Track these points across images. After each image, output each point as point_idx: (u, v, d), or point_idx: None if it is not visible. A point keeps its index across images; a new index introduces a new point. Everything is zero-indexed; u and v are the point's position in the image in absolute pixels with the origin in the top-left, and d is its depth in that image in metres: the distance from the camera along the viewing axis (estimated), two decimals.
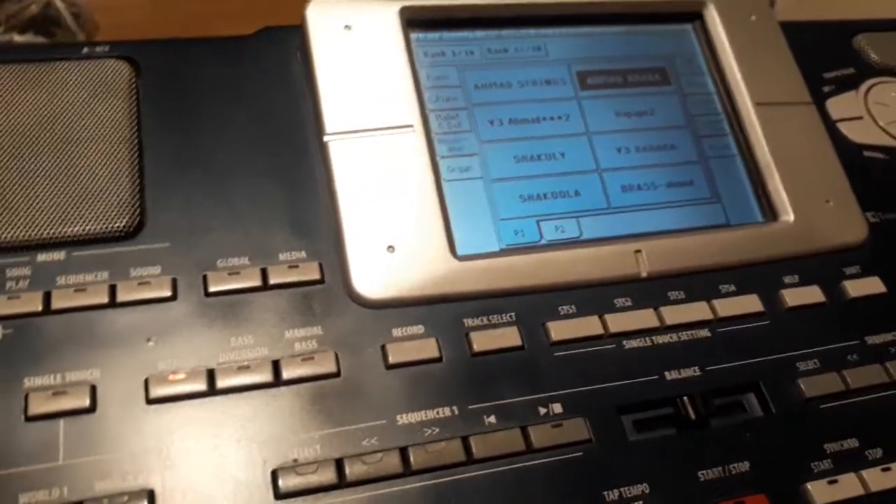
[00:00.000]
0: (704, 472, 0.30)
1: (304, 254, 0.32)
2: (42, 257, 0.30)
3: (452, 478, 0.28)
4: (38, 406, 0.27)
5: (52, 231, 0.31)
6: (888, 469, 0.31)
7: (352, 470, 0.28)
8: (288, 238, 0.33)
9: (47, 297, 0.29)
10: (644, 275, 0.35)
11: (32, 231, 0.30)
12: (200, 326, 0.30)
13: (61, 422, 0.27)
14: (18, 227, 0.30)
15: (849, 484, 0.31)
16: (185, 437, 0.28)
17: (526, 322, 0.32)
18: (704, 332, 0.34)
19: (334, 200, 0.33)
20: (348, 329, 0.31)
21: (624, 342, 0.33)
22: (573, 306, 0.33)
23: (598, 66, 0.39)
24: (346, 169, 0.33)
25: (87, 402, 0.28)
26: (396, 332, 0.31)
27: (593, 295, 0.34)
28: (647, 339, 0.33)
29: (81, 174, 0.32)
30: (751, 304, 0.35)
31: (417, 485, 0.28)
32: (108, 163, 0.33)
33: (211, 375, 0.29)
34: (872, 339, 0.35)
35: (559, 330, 0.32)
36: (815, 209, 0.38)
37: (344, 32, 0.36)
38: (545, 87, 0.38)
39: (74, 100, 0.34)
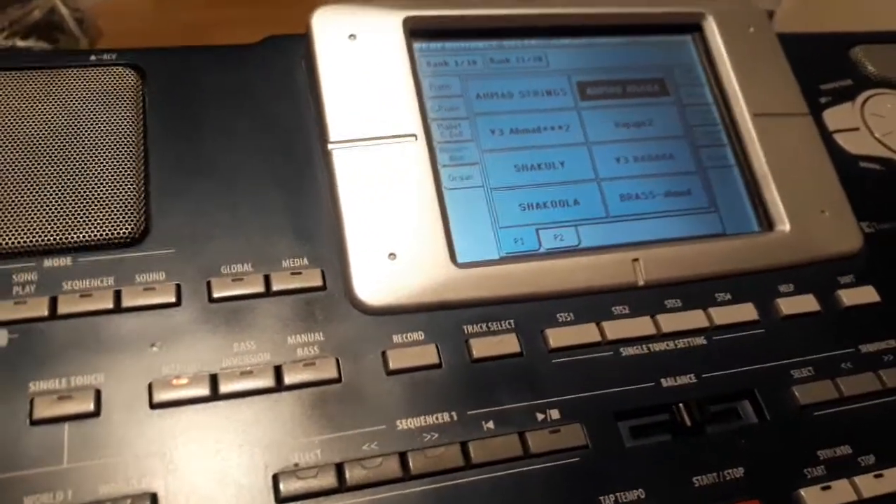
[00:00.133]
0: (699, 477, 0.31)
1: (306, 261, 0.33)
2: (48, 263, 0.31)
3: (451, 482, 0.29)
4: (43, 410, 0.28)
5: (59, 237, 0.31)
6: (881, 475, 0.32)
7: (352, 474, 0.28)
8: (291, 245, 0.33)
9: (53, 303, 0.30)
10: (641, 283, 0.35)
11: (39, 237, 0.31)
12: (204, 332, 0.30)
13: (66, 426, 0.28)
14: (25, 232, 0.31)
15: (842, 490, 0.31)
16: (188, 442, 0.28)
17: (525, 329, 0.33)
18: (700, 340, 0.34)
19: (337, 208, 0.34)
20: (349, 335, 0.31)
21: (621, 349, 0.33)
22: (571, 314, 0.34)
23: (597, 77, 0.40)
24: (348, 177, 0.34)
25: (91, 407, 0.28)
26: (397, 339, 0.32)
27: (591, 303, 0.34)
28: (644, 346, 0.34)
29: (87, 181, 0.32)
30: (746, 312, 0.35)
31: (417, 489, 0.29)
32: (114, 169, 0.33)
33: (214, 380, 0.29)
34: (866, 348, 0.36)
35: (557, 337, 0.33)
36: (810, 219, 0.38)
37: (348, 42, 0.36)
38: (546, 98, 0.39)
39: (81, 107, 0.34)
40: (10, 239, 0.31)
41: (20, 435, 0.27)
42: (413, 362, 0.31)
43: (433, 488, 0.29)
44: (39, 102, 0.34)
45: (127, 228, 0.32)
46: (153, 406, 0.29)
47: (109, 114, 0.34)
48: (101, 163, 0.33)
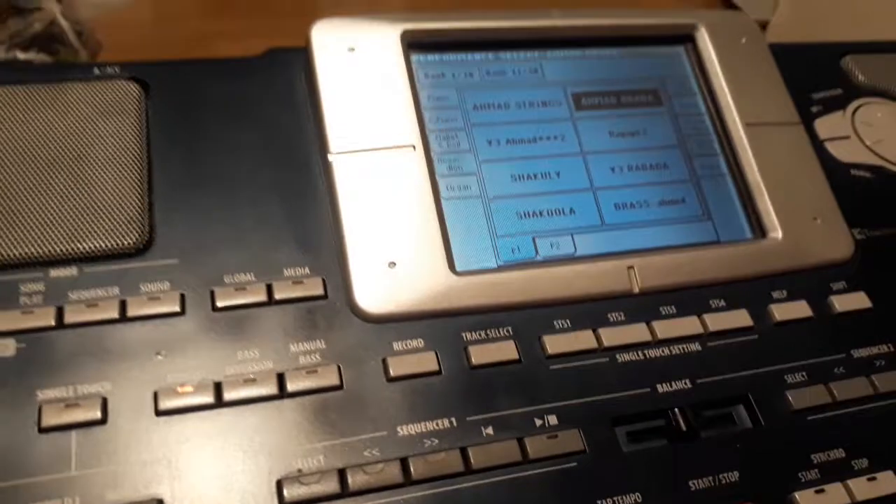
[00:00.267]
0: (695, 481, 0.31)
1: (307, 270, 0.33)
2: (55, 273, 0.31)
3: (451, 487, 0.29)
4: (51, 418, 0.28)
5: (65, 247, 0.31)
6: (874, 479, 0.32)
7: (354, 480, 0.29)
8: (292, 254, 0.34)
9: (60, 312, 0.30)
10: (637, 290, 0.36)
11: (45, 247, 0.31)
12: (208, 340, 0.31)
13: (73, 433, 0.28)
14: (32, 243, 0.31)
15: (835, 493, 0.32)
16: (193, 448, 0.29)
17: (522, 336, 0.33)
18: (695, 346, 0.35)
19: (337, 218, 0.34)
20: (350, 343, 0.32)
21: (617, 356, 0.34)
22: (568, 321, 0.34)
23: (592, 88, 0.40)
24: (349, 187, 0.35)
25: (98, 414, 0.28)
26: (397, 346, 0.32)
27: (587, 310, 0.35)
28: (640, 352, 0.34)
29: (93, 192, 0.33)
30: (740, 318, 0.36)
31: (417, 494, 0.29)
32: (119, 181, 0.33)
33: (218, 388, 0.30)
34: (858, 353, 0.36)
35: (554, 344, 0.33)
36: (802, 226, 0.39)
37: (347, 54, 0.37)
38: (541, 108, 0.39)
39: (86, 119, 0.35)
40: (17, 250, 0.31)
41: (29, 442, 0.28)
42: (413, 369, 0.32)
43: (434, 493, 0.29)
44: (46, 116, 0.34)
45: (132, 239, 0.32)
46: (158, 413, 0.29)
47: (114, 126, 0.35)
48: (106, 175, 0.33)
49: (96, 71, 0.36)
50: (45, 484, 0.27)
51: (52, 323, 0.30)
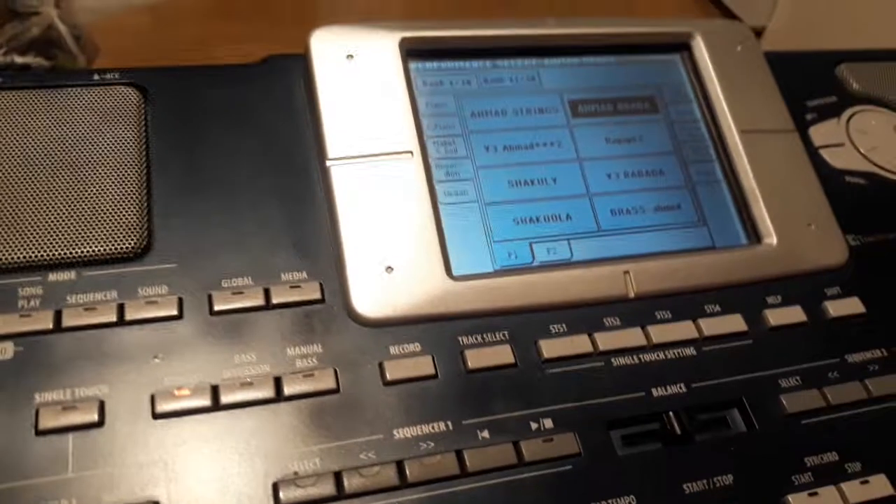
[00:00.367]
0: (689, 484, 0.31)
1: (305, 274, 0.34)
2: (53, 277, 0.31)
3: (447, 490, 0.29)
4: (48, 420, 0.28)
5: (63, 251, 0.32)
6: (867, 482, 0.32)
7: (350, 482, 0.29)
8: (290, 259, 0.34)
9: (58, 316, 0.30)
10: (632, 295, 0.36)
11: (44, 251, 0.31)
12: (205, 344, 0.31)
13: (70, 436, 0.28)
14: (31, 247, 0.31)
15: (828, 496, 0.32)
16: (190, 451, 0.29)
17: (518, 340, 0.34)
18: (690, 351, 0.35)
19: (335, 223, 0.34)
20: (347, 347, 0.32)
21: (613, 360, 0.34)
22: (564, 325, 0.34)
23: (589, 95, 0.41)
24: (346, 193, 0.35)
25: (95, 417, 0.28)
26: (394, 350, 0.32)
27: (583, 314, 0.35)
28: (635, 356, 0.34)
29: (91, 197, 0.33)
30: (735, 323, 0.36)
31: (413, 497, 0.29)
32: (118, 186, 0.34)
33: (215, 391, 0.30)
34: (852, 358, 0.36)
35: (550, 348, 0.33)
36: (797, 232, 0.39)
37: (346, 62, 0.37)
38: (538, 115, 0.40)
39: (85, 124, 0.35)
40: (15, 254, 0.31)
41: (26, 445, 0.28)
42: (410, 373, 0.32)
43: (429, 496, 0.29)
44: (45, 121, 0.35)
45: (130, 243, 0.32)
46: (156, 416, 0.29)
47: (113, 131, 0.35)
48: (105, 179, 0.34)
49: (95, 77, 0.37)
50: (42, 486, 0.27)
51: (50, 326, 0.30)
